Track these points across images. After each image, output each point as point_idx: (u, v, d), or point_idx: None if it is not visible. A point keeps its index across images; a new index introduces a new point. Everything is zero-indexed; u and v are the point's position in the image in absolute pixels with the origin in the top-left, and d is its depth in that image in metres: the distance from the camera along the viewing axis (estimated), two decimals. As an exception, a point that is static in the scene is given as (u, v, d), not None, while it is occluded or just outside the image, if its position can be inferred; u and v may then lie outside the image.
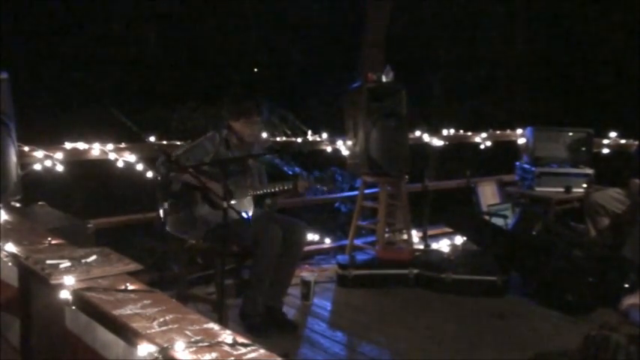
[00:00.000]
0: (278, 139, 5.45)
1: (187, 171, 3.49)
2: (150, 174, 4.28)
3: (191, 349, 1.57)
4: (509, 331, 3.99)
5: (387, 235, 5.28)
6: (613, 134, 6.34)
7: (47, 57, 8.59)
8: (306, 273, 4.51)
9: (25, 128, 3.85)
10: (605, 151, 6.30)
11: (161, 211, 3.28)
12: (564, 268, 4.31)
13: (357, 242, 5.36)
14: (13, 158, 3.47)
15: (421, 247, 5.32)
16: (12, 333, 2.61)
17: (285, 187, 3.95)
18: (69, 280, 2.03)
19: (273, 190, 3.94)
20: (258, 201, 4.00)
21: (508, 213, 5.64)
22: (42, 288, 2.17)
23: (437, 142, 5.90)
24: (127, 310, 1.83)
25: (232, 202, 3.63)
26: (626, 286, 4.16)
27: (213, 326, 1.73)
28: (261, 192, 3.91)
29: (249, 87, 9.13)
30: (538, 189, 5.70)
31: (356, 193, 5.40)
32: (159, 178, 3.62)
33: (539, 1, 10.46)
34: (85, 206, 6.88)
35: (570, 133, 5.94)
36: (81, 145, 4.21)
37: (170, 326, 1.72)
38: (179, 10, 9.38)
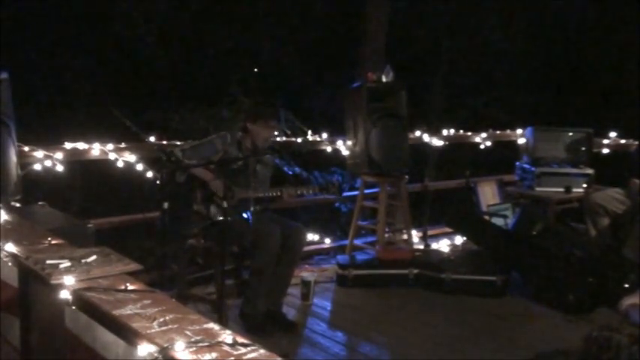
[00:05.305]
0: (278, 139, 5.45)
1: (189, 170, 3.51)
2: (150, 174, 4.28)
3: (191, 349, 1.57)
4: (509, 331, 3.99)
5: (387, 235, 5.28)
6: (613, 134, 6.34)
7: (47, 57, 8.58)
8: (306, 273, 4.51)
9: (25, 128, 3.85)
10: (605, 151, 6.30)
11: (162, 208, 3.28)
12: (564, 268, 4.31)
13: (357, 242, 5.36)
14: (13, 158, 3.47)
15: (421, 247, 5.32)
16: (12, 333, 2.61)
17: (273, 194, 3.93)
18: (69, 280, 2.03)
19: (260, 195, 3.91)
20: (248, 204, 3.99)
21: (508, 213, 5.65)
22: (42, 288, 2.17)
23: (437, 142, 5.90)
24: (127, 310, 1.82)
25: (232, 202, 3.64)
26: (626, 286, 4.16)
27: (213, 326, 1.73)
28: (247, 196, 3.89)
29: (248, 87, 9.13)
30: (538, 189, 5.70)
31: (356, 193, 5.40)
32: (160, 175, 3.64)
33: (539, 1, 10.45)
34: (85, 206, 6.88)
35: (570, 133, 5.94)
36: (81, 145, 4.20)
37: (170, 326, 1.72)
38: (179, 10, 9.37)
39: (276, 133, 4.25)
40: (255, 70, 10.24)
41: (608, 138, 6.34)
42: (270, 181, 4.18)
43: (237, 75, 9.27)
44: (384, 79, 5.08)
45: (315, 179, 8.24)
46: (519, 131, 6.45)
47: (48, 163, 3.99)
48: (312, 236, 5.25)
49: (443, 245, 5.66)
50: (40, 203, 3.77)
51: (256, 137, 3.95)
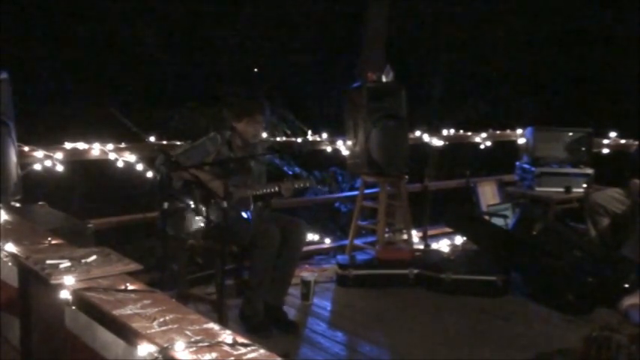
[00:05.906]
0: (278, 139, 5.45)
1: (187, 170, 3.51)
2: (150, 174, 4.28)
3: (191, 349, 1.57)
4: (509, 331, 3.99)
5: (387, 235, 5.28)
6: (613, 134, 6.34)
7: (47, 57, 8.58)
8: (306, 273, 4.51)
9: (25, 128, 3.86)
10: (605, 151, 6.30)
11: (162, 208, 3.28)
12: (564, 268, 4.31)
13: (357, 242, 5.36)
14: (13, 158, 3.47)
15: (421, 247, 5.32)
16: (12, 333, 2.61)
17: (271, 190, 3.93)
18: (69, 280, 2.03)
19: (258, 192, 3.90)
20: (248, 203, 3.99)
21: (508, 213, 5.64)
22: (42, 288, 2.17)
23: (437, 142, 5.90)
24: (127, 310, 1.83)
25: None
26: (626, 286, 4.16)
27: (213, 326, 1.74)
28: (249, 194, 3.88)
29: (248, 87, 9.13)
30: (538, 189, 5.70)
31: (356, 193, 5.40)
32: (159, 177, 3.63)
33: (539, 1, 10.45)
34: (85, 206, 6.88)
35: (570, 133, 5.94)
36: (81, 145, 4.20)
37: (170, 326, 1.72)
38: (179, 9, 9.38)
39: (264, 126, 4.21)
40: (255, 70, 10.25)
41: (608, 138, 6.33)
42: (269, 179, 4.17)
43: (237, 75, 9.28)
44: (384, 79, 5.08)
45: (315, 179, 8.27)
46: (519, 131, 6.45)
47: (48, 163, 3.98)
48: (312, 236, 5.25)
49: (443, 245, 5.66)
50: (40, 203, 3.77)
51: (244, 134, 3.93)
